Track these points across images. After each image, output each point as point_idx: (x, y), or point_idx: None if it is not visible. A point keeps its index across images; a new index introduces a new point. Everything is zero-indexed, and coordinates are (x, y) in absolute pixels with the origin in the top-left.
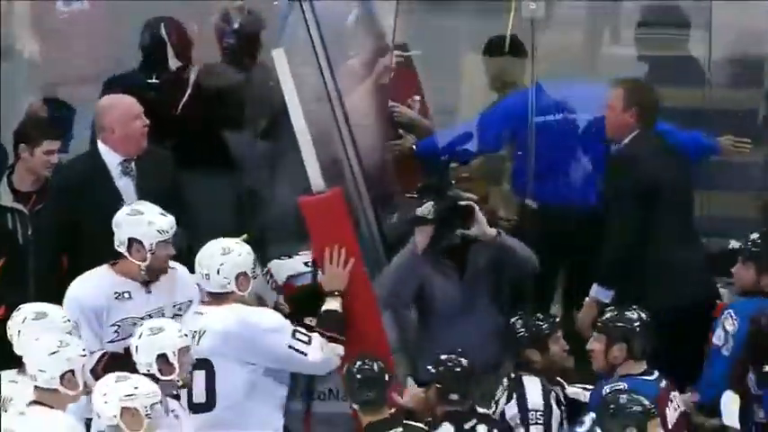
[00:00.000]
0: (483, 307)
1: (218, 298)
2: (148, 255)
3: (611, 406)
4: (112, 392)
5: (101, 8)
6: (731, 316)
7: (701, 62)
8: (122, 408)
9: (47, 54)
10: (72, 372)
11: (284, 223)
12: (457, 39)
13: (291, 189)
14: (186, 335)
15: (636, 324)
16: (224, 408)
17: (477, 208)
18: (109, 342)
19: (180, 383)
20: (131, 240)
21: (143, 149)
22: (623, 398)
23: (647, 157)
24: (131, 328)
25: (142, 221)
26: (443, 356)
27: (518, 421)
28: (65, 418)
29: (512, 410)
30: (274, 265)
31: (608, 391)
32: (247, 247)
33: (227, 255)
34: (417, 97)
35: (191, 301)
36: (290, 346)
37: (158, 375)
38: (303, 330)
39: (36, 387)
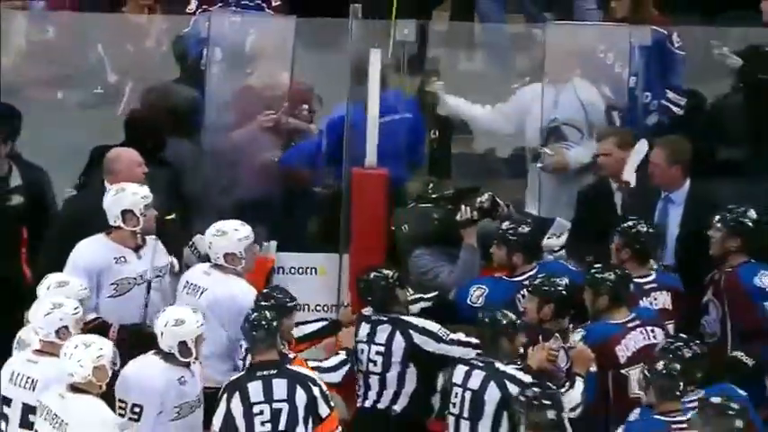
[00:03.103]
0: None
1: (219, 266)
2: (141, 219)
3: None
4: (85, 357)
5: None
6: (480, 289)
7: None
8: (94, 367)
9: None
10: (66, 327)
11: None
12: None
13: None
14: (203, 324)
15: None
16: (206, 355)
17: (494, 196)
18: (108, 297)
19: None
20: (124, 212)
21: None
22: None
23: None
24: (127, 286)
25: (127, 195)
26: None
27: None
28: (60, 362)
29: None
30: (197, 239)
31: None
32: (243, 233)
33: (219, 236)
34: (305, 106)
35: (169, 265)
36: None
37: (179, 357)
38: None
39: (40, 340)
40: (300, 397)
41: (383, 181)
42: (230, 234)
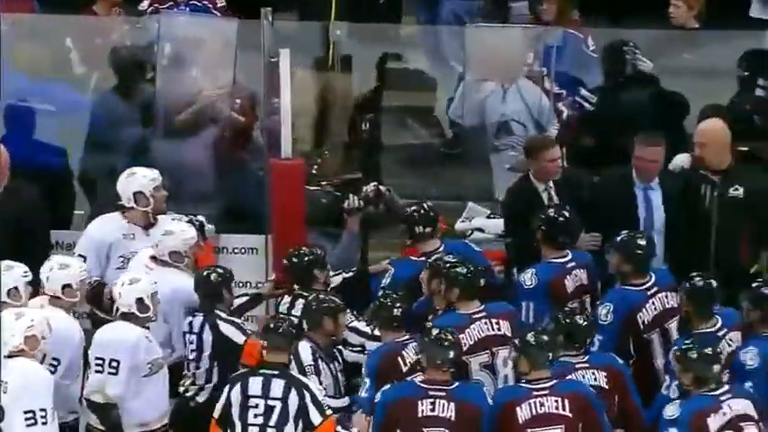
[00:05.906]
0: None
1: (161, 261)
2: (151, 200)
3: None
4: (17, 328)
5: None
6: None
7: None
8: (25, 336)
9: None
10: (70, 285)
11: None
12: None
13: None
14: (155, 283)
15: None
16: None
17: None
18: (116, 268)
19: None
20: (135, 194)
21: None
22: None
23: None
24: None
25: (138, 178)
26: None
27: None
28: (65, 316)
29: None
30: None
31: None
32: (190, 234)
33: (167, 235)
34: (238, 101)
35: None
36: None
37: (138, 314)
38: None
39: (45, 293)
40: (293, 400)
41: (300, 170)
42: (177, 234)
